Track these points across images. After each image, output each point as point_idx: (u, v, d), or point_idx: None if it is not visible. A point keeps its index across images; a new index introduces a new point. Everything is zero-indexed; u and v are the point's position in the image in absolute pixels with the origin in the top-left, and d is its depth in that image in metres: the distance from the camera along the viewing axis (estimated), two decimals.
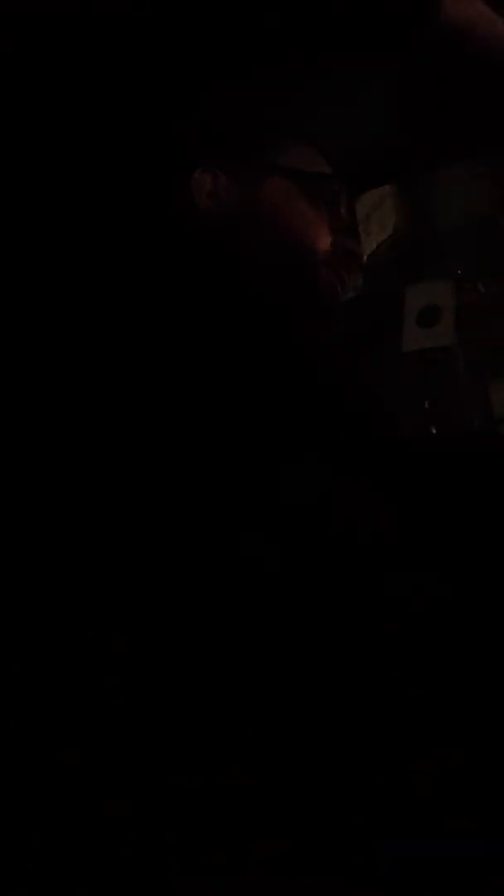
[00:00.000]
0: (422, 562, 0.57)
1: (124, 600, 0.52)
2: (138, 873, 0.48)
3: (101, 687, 0.51)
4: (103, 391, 0.58)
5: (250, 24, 0.68)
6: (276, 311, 0.69)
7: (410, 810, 0.50)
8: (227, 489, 0.56)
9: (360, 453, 0.63)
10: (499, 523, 0.61)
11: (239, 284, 0.68)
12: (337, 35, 0.71)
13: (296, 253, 0.72)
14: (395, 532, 0.58)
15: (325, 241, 0.74)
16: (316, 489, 0.58)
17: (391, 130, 0.75)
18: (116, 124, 0.67)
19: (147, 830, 0.49)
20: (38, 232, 0.63)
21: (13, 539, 0.54)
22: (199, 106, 0.69)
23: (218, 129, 0.72)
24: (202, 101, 0.69)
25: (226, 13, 0.67)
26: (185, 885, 0.48)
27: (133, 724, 0.50)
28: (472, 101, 0.77)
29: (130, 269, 0.64)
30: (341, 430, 0.65)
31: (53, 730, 0.50)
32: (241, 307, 0.67)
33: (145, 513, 0.55)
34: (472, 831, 0.50)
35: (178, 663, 0.51)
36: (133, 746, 0.50)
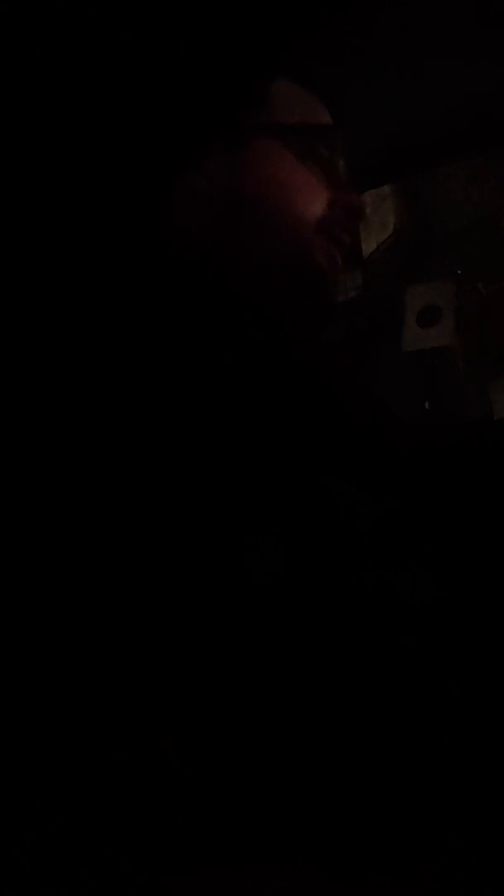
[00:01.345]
0: (422, 561, 0.57)
1: (123, 603, 0.52)
2: (138, 873, 0.48)
3: (100, 686, 0.51)
4: (101, 393, 0.58)
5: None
6: (270, 311, 0.68)
7: (410, 809, 0.50)
8: (227, 489, 0.56)
9: (359, 454, 0.63)
10: (499, 522, 0.61)
11: (231, 288, 0.66)
12: None
13: (286, 236, 0.67)
14: (395, 532, 0.58)
15: (321, 205, 0.69)
16: (315, 490, 0.58)
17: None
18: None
19: (147, 830, 0.49)
20: (33, 232, 0.63)
21: (13, 539, 0.54)
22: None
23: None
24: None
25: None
26: (185, 884, 0.48)
27: (133, 724, 0.50)
28: None
29: (123, 266, 0.63)
30: (341, 430, 0.65)
31: (53, 729, 0.50)
32: (234, 310, 0.66)
33: (144, 513, 0.55)
34: (472, 828, 0.50)
35: (177, 663, 0.51)
36: (133, 745, 0.50)
